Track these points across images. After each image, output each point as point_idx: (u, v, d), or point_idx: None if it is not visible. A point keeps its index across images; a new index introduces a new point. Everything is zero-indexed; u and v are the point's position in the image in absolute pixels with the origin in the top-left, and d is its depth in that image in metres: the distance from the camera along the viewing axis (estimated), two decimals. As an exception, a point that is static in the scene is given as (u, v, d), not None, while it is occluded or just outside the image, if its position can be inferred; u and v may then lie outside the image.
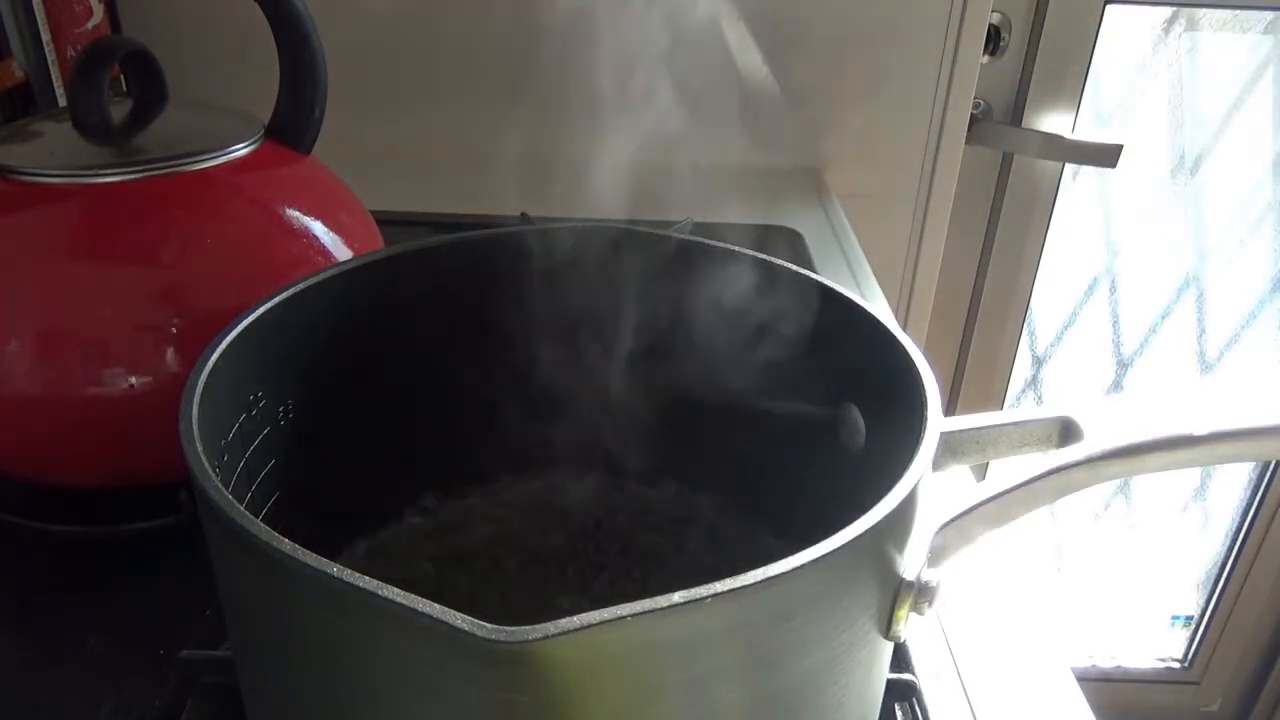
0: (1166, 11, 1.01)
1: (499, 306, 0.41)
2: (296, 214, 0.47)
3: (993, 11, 0.95)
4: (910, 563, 0.27)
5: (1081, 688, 0.42)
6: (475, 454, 0.43)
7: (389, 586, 0.21)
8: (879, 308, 0.39)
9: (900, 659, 0.40)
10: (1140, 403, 0.30)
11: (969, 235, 1.08)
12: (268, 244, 0.45)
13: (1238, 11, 1.01)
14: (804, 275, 0.36)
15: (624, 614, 0.20)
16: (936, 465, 0.28)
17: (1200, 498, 1.29)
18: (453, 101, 0.94)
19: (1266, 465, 1.22)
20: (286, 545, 0.22)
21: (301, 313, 0.35)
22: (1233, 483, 1.27)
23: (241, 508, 0.24)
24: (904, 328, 0.55)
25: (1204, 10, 1.01)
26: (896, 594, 0.27)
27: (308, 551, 0.22)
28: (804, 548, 0.23)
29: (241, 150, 0.47)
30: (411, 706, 0.23)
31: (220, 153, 0.46)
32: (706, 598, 0.21)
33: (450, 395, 0.41)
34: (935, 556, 0.27)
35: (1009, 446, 0.31)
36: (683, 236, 0.40)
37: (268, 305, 0.34)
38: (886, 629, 0.27)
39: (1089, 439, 0.29)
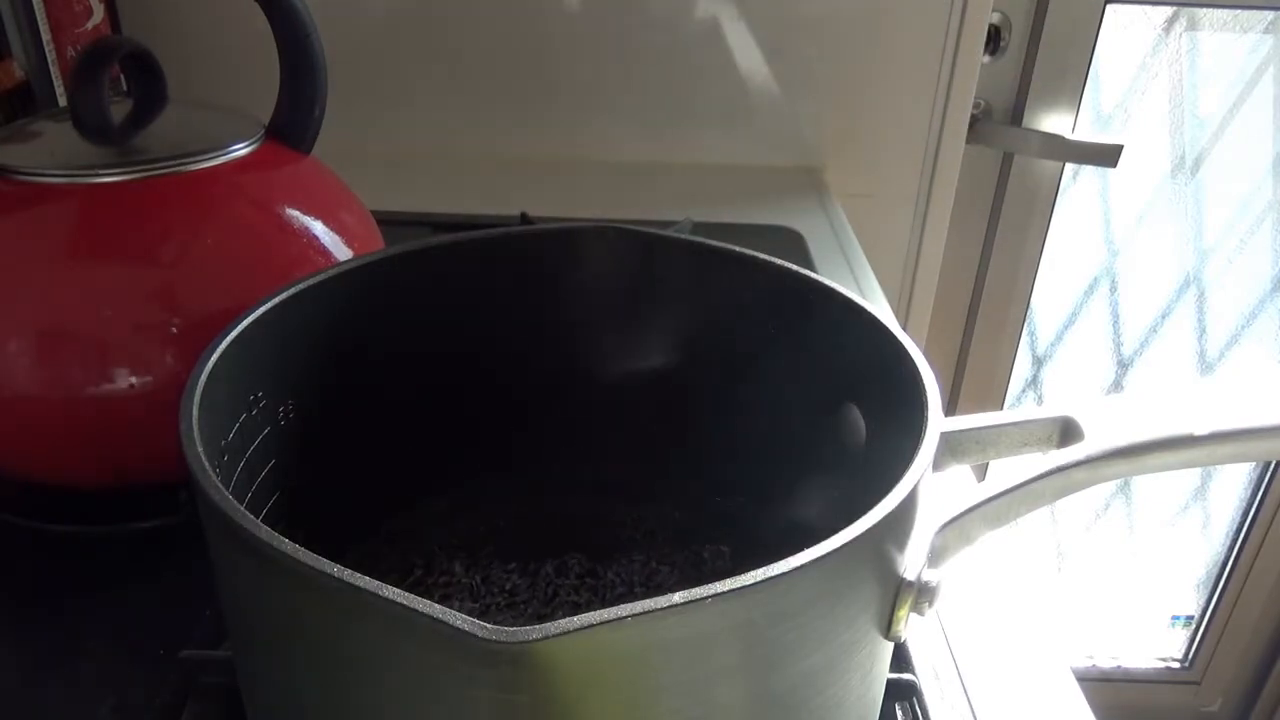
0: (1167, 11, 1.01)
1: (498, 307, 0.41)
2: (296, 214, 0.47)
3: (993, 11, 0.95)
4: (910, 563, 0.27)
5: (1081, 688, 0.42)
6: (475, 455, 0.43)
7: (389, 586, 0.21)
8: (879, 308, 0.39)
9: (900, 659, 0.40)
10: (1140, 403, 0.30)
11: (969, 235, 1.08)
12: (268, 244, 0.45)
13: (1238, 11, 1.01)
14: (804, 275, 0.36)
15: (624, 614, 0.20)
16: (936, 465, 0.28)
17: (1200, 498, 1.29)
18: (453, 101, 0.94)
19: (1266, 465, 1.22)
20: (286, 545, 0.22)
21: (301, 313, 0.35)
22: (1233, 483, 1.27)
23: (241, 508, 0.24)
24: (904, 328, 0.55)
25: (1204, 10, 1.01)
26: (896, 594, 0.27)
27: (308, 551, 0.22)
28: (804, 548, 0.23)
29: (241, 150, 0.47)
30: (411, 707, 0.23)
31: (220, 153, 0.46)
32: (707, 598, 0.21)
33: (449, 396, 0.41)
34: (935, 556, 0.27)
35: (1009, 446, 0.31)
36: (683, 236, 0.40)
37: (268, 305, 0.34)
38: (887, 629, 0.27)
39: (1089, 439, 0.29)
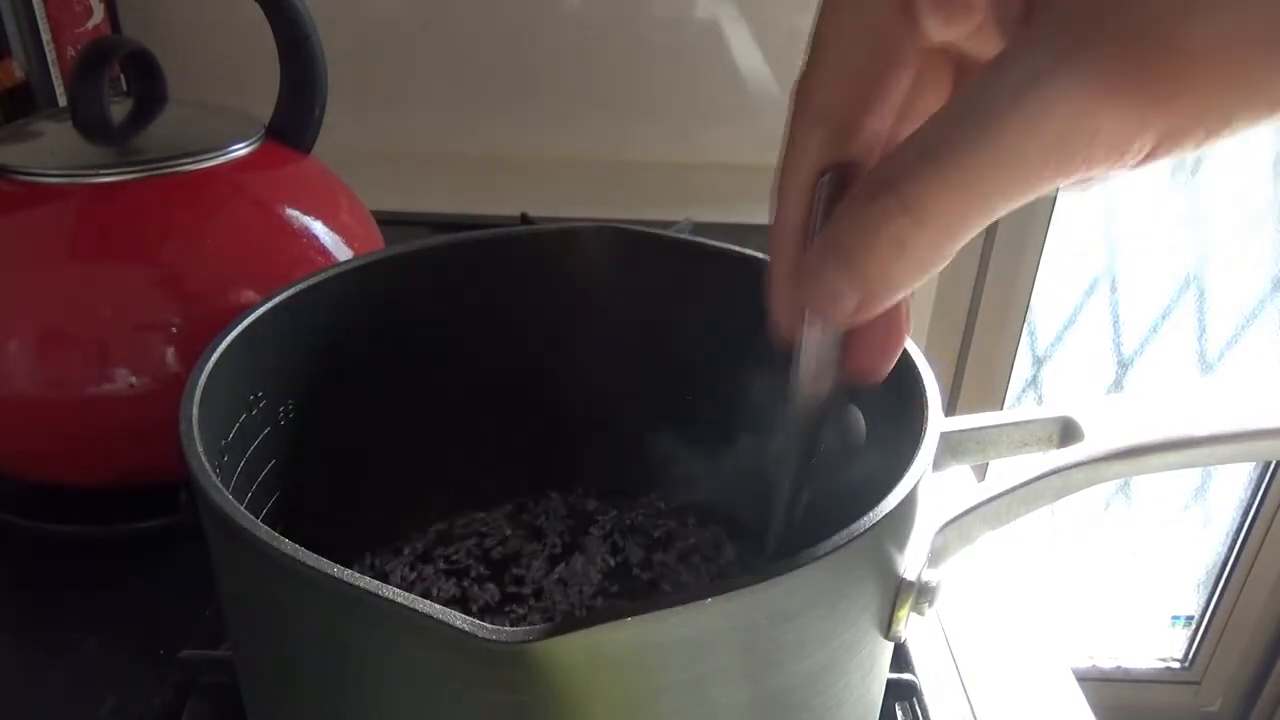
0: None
1: (498, 307, 0.41)
2: (296, 214, 0.47)
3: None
4: (910, 563, 0.27)
5: (1081, 688, 0.42)
6: (474, 454, 0.43)
7: (389, 587, 0.21)
8: (879, 308, 0.39)
9: (900, 659, 0.40)
10: (1140, 403, 0.30)
11: (969, 235, 1.08)
12: (268, 244, 0.45)
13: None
14: (804, 275, 0.36)
15: (624, 614, 0.20)
16: (936, 465, 0.28)
17: (1200, 498, 1.29)
18: (453, 101, 0.94)
19: (1266, 465, 1.22)
20: (286, 545, 0.22)
21: (301, 313, 0.35)
22: (1233, 483, 1.27)
23: (241, 508, 0.24)
24: (904, 328, 0.55)
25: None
26: (896, 594, 0.27)
27: (308, 552, 0.22)
28: (803, 549, 0.23)
29: (241, 150, 0.47)
30: (411, 707, 0.23)
31: (220, 153, 0.46)
32: (707, 598, 0.21)
33: (449, 396, 0.41)
34: (935, 556, 0.27)
35: (1009, 446, 0.31)
36: (683, 236, 0.40)
37: (268, 305, 0.34)
38: (887, 629, 0.27)
39: (1089, 439, 0.29)
